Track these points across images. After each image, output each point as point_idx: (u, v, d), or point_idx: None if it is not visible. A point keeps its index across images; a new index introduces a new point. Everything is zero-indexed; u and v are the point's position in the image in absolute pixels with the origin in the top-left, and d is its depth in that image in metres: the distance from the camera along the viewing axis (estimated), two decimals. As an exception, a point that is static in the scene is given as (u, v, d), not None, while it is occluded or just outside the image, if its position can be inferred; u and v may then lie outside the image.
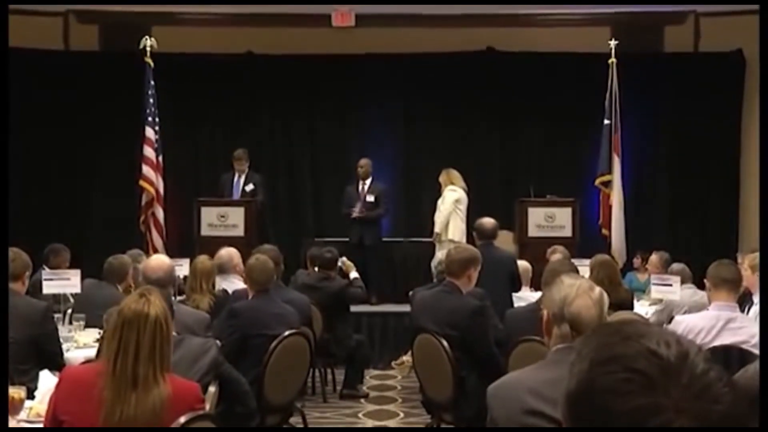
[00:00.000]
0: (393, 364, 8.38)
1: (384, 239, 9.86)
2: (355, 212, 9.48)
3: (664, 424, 0.94)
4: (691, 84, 10.76)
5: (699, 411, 0.95)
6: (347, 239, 9.49)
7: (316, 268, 7.34)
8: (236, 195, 9.72)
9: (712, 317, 4.39)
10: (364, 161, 9.74)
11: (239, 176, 9.78)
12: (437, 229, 9.20)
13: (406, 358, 6.83)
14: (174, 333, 3.01)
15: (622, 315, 4.89)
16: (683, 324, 4.44)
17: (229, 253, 6.53)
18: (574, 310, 2.54)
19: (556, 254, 7.14)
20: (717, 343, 4.26)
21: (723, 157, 10.86)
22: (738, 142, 10.83)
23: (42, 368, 3.83)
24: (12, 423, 3.18)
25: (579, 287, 2.60)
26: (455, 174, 9.38)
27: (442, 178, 9.38)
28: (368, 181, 9.70)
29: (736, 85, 10.74)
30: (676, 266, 7.72)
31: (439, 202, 9.31)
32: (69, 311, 5.59)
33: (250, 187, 9.71)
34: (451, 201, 9.18)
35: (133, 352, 2.75)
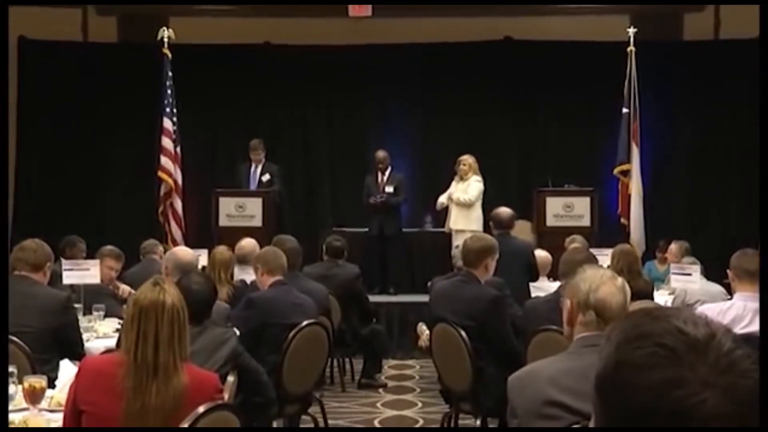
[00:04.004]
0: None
1: (403, 230, 9.84)
2: (375, 199, 9.46)
3: (688, 396, 0.94)
4: (710, 72, 10.66)
5: (726, 384, 0.94)
6: (366, 230, 9.50)
7: (325, 257, 7.33)
8: (253, 185, 9.72)
9: (739, 307, 4.31)
10: (381, 155, 9.63)
11: (256, 166, 9.78)
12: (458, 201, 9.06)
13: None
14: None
15: (643, 304, 4.85)
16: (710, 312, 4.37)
17: (249, 243, 6.55)
18: (600, 296, 2.54)
19: (575, 244, 7.11)
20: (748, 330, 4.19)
21: (743, 145, 10.76)
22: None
23: (63, 358, 3.85)
24: (33, 412, 3.21)
25: (603, 275, 2.63)
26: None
27: (469, 162, 9.15)
28: (387, 172, 9.68)
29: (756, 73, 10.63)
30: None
31: (462, 185, 9.16)
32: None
33: (266, 177, 9.71)
34: (478, 191, 9.11)
35: (153, 341, 2.75)
